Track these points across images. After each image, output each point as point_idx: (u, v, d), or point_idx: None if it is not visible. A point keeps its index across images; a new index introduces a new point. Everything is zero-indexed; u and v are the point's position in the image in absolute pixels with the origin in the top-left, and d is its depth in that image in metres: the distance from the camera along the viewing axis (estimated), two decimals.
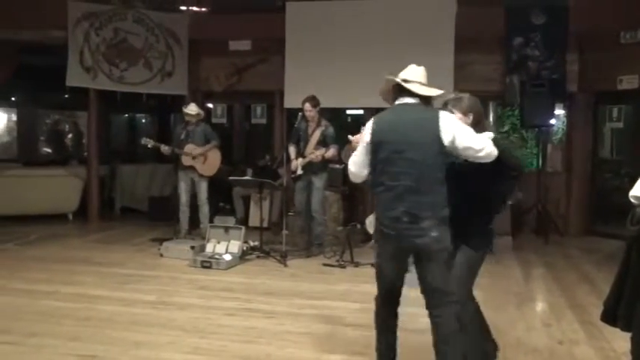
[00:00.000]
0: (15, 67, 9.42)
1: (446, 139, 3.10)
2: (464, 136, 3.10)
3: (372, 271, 6.26)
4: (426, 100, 3.32)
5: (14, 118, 13.26)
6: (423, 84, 3.34)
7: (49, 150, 13.71)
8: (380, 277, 3.45)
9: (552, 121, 8.93)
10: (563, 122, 9.97)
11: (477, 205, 3.31)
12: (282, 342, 4.15)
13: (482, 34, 8.66)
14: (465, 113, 3.32)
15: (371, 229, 7.44)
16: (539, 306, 5.45)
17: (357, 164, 3.37)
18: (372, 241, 7.51)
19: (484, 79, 8.86)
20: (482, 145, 3.09)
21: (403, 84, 3.29)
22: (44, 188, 9.17)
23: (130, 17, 9.16)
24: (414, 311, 3.65)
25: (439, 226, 3.12)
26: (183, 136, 7.55)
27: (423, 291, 3.29)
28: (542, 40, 8.55)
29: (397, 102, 3.36)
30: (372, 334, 4.27)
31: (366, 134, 3.32)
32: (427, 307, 3.28)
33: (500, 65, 8.82)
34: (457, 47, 8.54)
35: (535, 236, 8.51)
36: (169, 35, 9.36)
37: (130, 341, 4.13)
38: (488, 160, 3.11)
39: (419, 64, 3.49)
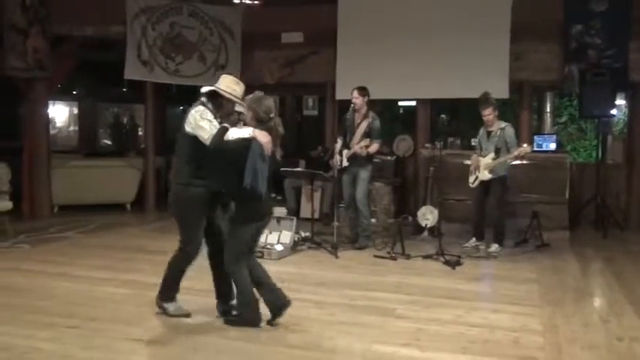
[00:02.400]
0: (77, 62, 9.75)
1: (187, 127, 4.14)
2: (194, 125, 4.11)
3: (423, 264, 6.26)
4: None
5: (75, 111, 13.73)
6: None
7: (108, 142, 14.15)
8: None
9: (613, 112, 8.60)
10: (625, 113, 9.61)
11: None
12: (333, 332, 4.16)
13: (540, 21, 8.42)
14: (246, 109, 4.14)
15: (423, 222, 7.40)
16: (598, 301, 5.28)
17: None
18: (425, 233, 7.50)
19: (541, 68, 8.62)
20: (205, 136, 4.02)
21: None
22: (104, 179, 9.49)
23: (186, 11, 9.34)
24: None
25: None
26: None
27: None
28: (603, 27, 8.23)
29: None
30: (422, 327, 4.27)
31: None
32: None
33: (559, 54, 8.55)
34: (513, 35, 8.34)
35: (594, 230, 8.24)
36: (223, 29, 9.50)
37: (183, 327, 4.24)
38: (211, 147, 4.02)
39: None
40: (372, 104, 7.10)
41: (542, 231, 7.22)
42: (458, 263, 6.18)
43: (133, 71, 9.14)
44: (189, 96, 13.04)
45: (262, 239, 6.73)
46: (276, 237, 6.75)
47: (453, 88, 8.56)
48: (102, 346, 3.87)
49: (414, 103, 9.93)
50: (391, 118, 12.51)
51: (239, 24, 9.52)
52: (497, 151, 6.63)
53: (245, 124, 4.14)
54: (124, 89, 12.10)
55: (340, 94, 8.97)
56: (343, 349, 3.89)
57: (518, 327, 4.31)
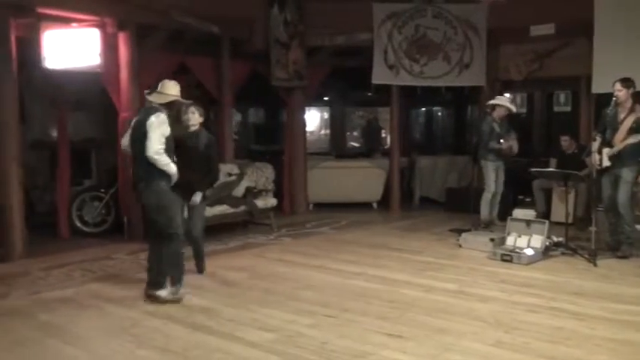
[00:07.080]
0: (328, 70, 10.47)
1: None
2: None
3: None
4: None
5: (326, 115, 14.79)
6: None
7: (355, 144, 14.95)
8: None
9: None
10: None
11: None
12: (594, 347, 3.83)
13: None
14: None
15: None
16: None
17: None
18: None
19: None
20: None
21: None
22: (352, 179, 10.03)
23: (430, 13, 9.42)
24: None
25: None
26: (498, 129, 7.75)
27: None
28: None
29: None
30: None
31: None
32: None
33: None
34: None
35: None
36: (468, 27, 9.36)
37: (432, 326, 4.28)
38: None
39: None
40: (636, 97, 6.36)
41: None
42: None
43: (380, 76, 9.51)
44: (431, 96, 13.26)
45: (511, 242, 6.52)
46: (525, 241, 6.44)
47: None
48: (356, 337, 4.11)
49: None
50: None
51: (484, 20, 9.29)
52: None
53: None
54: (369, 93, 12.64)
55: (597, 88, 8.20)
56: None
57: None
